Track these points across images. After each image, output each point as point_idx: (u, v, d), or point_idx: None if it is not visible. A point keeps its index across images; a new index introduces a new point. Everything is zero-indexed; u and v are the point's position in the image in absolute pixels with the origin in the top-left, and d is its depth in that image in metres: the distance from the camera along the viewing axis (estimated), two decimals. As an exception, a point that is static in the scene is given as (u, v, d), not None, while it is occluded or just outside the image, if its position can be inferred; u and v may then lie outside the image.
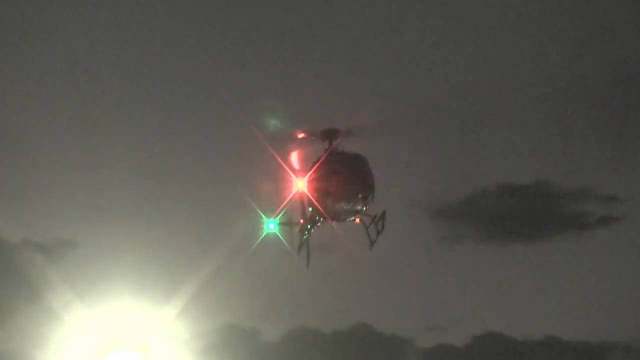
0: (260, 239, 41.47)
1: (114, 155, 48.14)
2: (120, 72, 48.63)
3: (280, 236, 41.76)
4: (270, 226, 41.59)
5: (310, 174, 40.18)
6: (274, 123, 41.22)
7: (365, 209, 39.54)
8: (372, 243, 40.78)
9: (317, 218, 40.70)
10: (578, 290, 48.56)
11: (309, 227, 41.36)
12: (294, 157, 41.57)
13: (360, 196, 38.76)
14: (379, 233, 40.30)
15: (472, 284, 49.42)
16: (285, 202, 41.04)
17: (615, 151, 47.42)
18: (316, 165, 40.00)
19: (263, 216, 41.44)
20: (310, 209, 40.43)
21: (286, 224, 41.87)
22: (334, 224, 40.20)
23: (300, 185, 40.27)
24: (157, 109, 48.74)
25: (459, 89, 45.24)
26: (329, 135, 40.59)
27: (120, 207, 48.72)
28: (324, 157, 40.07)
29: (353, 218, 40.22)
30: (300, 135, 40.71)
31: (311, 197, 39.85)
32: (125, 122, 48.54)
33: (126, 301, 47.51)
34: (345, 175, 38.90)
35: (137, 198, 48.93)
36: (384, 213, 39.95)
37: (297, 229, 41.75)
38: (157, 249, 49.08)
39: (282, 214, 41.31)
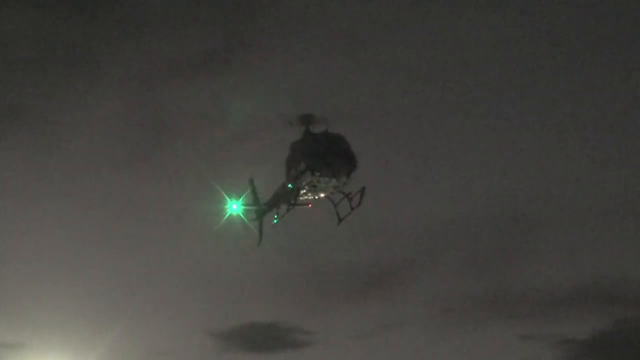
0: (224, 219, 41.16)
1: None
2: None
3: (242, 217, 41.34)
4: (233, 207, 41.20)
5: (291, 152, 39.82)
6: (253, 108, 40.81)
7: (342, 185, 38.89)
8: (340, 220, 40.35)
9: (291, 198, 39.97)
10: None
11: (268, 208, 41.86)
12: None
13: (343, 171, 37.99)
14: (352, 209, 39.64)
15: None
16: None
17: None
18: (299, 144, 39.35)
19: (227, 197, 41.01)
20: (290, 186, 39.56)
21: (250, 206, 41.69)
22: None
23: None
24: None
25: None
26: (307, 119, 39.46)
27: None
28: (305, 137, 39.25)
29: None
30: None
31: (292, 175, 39.43)
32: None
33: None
34: (331, 152, 38.03)
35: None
36: (363, 189, 39.23)
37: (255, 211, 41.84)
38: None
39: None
